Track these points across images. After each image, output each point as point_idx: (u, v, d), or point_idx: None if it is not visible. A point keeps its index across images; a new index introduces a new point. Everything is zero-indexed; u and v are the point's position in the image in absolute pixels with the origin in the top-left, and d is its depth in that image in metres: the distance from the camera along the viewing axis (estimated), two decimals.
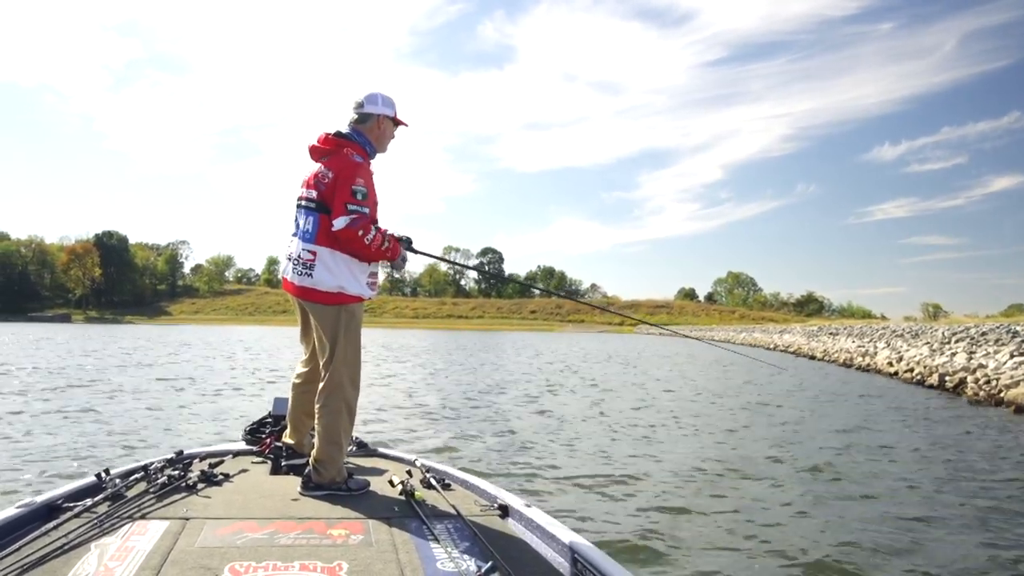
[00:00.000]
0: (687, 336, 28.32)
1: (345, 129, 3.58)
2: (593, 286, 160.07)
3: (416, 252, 3.77)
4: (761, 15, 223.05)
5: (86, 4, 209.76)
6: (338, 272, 3.39)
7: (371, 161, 3.63)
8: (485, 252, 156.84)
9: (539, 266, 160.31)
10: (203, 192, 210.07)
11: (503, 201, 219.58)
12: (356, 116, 3.60)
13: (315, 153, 3.56)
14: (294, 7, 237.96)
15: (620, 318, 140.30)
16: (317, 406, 3.47)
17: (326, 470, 3.37)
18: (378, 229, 3.44)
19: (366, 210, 3.37)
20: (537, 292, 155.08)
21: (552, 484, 6.89)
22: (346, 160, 3.44)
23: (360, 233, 3.32)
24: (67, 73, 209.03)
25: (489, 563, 2.45)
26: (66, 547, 2.47)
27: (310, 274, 3.39)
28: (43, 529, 2.64)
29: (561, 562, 2.61)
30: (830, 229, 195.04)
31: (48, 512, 2.88)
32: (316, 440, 3.43)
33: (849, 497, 6.58)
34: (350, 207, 3.33)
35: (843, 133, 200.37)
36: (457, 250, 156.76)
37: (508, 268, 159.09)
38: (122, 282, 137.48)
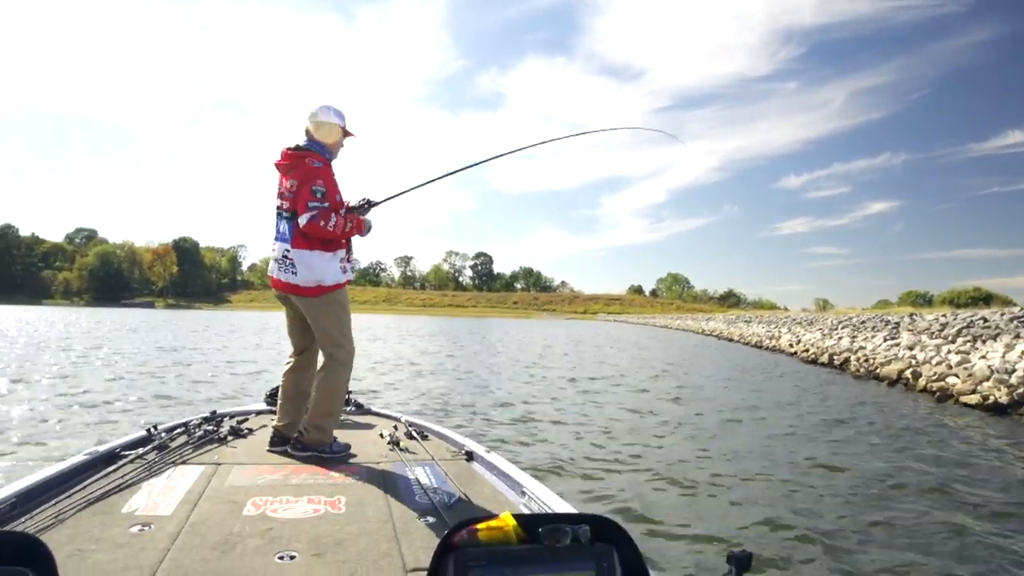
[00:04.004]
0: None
1: (302, 140, 3.19)
2: (563, 283, 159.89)
3: (378, 204, 3.34)
4: (698, 74, 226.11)
5: (172, 58, 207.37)
6: (314, 268, 3.07)
7: (330, 164, 3.24)
8: (479, 255, 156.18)
9: (521, 266, 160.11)
10: (259, 205, 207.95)
11: (494, 215, 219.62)
12: (311, 125, 3.20)
13: (281, 169, 3.16)
14: (332, 63, 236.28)
15: (584, 307, 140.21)
16: (316, 381, 3.14)
17: (314, 435, 3.05)
18: (339, 215, 3.09)
19: (326, 204, 3.04)
20: (519, 287, 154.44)
21: (512, 433, 6.65)
22: (307, 168, 3.08)
23: (322, 224, 3.01)
24: (153, 112, 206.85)
25: (456, 496, 2.45)
26: (122, 486, 2.41)
27: (294, 272, 3.08)
28: (104, 472, 2.57)
29: (513, 495, 2.55)
30: (748, 241, 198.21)
31: (108, 458, 2.80)
32: (311, 407, 3.09)
33: (761, 455, 6.25)
34: (311, 204, 3.02)
35: (759, 166, 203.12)
36: (456, 253, 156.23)
37: (496, 268, 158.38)
38: (194, 277, 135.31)
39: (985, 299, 56.40)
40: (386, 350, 20.72)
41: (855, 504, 4.70)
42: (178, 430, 3.33)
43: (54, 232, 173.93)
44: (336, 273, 3.13)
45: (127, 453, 2.85)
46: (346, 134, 3.31)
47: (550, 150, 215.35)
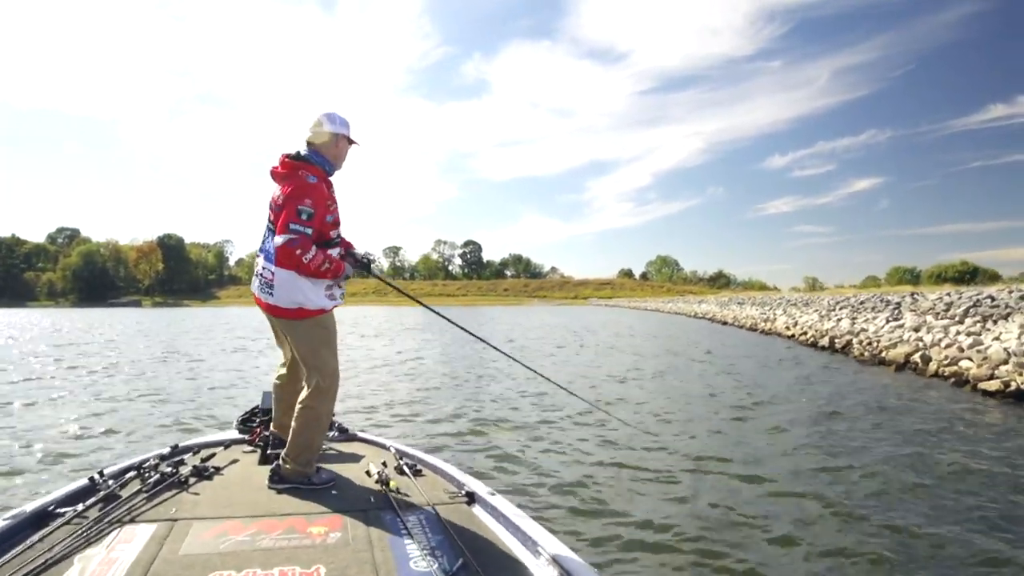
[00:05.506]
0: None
1: (304, 149, 2.95)
2: (553, 268, 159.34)
3: (373, 276, 3.30)
4: (682, 55, 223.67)
5: (148, 51, 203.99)
6: (295, 292, 2.82)
7: (329, 177, 3.00)
8: (467, 244, 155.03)
9: (510, 253, 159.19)
10: (244, 199, 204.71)
11: (481, 203, 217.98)
12: (312, 133, 2.95)
13: (276, 177, 2.92)
14: (313, 53, 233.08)
15: (574, 292, 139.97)
16: (297, 408, 2.90)
17: (292, 466, 2.84)
18: (321, 250, 2.83)
19: (308, 231, 2.75)
20: (509, 274, 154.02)
21: (512, 467, 5.97)
22: (299, 183, 2.81)
23: (298, 252, 2.74)
24: (132, 107, 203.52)
25: (460, 561, 2.10)
26: (49, 563, 1.95)
27: (271, 293, 2.85)
28: (29, 541, 2.10)
29: (526, 553, 2.23)
30: (734, 222, 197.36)
31: (37, 520, 2.31)
32: (290, 437, 2.89)
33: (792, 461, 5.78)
34: (291, 226, 2.73)
35: (744, 147, 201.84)
36: (445, 242, 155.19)
37: (485, 256, 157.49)
38: (180, 274, 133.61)
39: (972, 273, 56.57)
40: (379, 347, 20.13)
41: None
42: (129, 474, 2.86)
43: (35, 233, 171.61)
44: (320, 299, 2.89)
45: (62, 511, 2.38)
46: (350, 142, 3.08)
47: (531, 136, 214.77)
